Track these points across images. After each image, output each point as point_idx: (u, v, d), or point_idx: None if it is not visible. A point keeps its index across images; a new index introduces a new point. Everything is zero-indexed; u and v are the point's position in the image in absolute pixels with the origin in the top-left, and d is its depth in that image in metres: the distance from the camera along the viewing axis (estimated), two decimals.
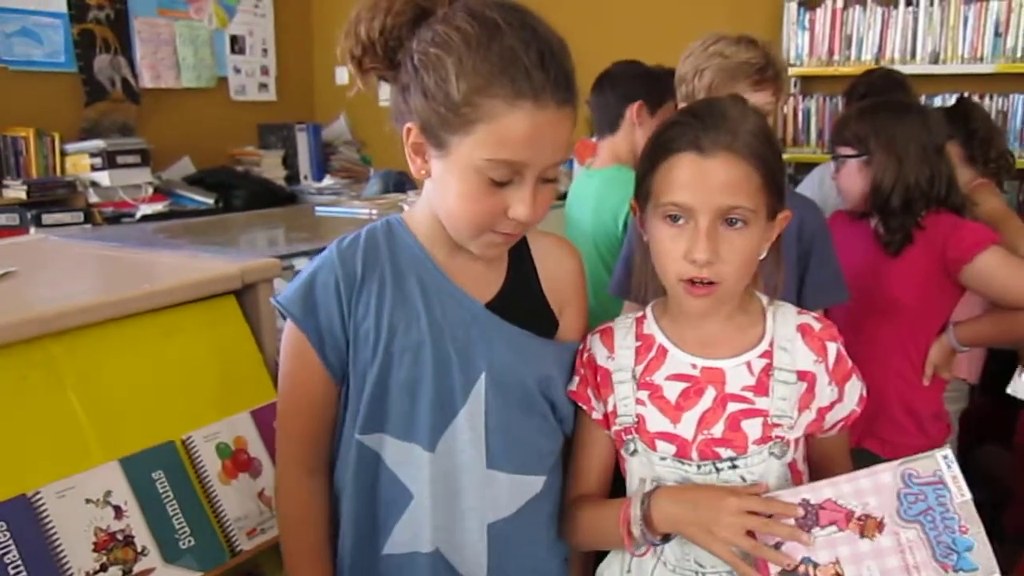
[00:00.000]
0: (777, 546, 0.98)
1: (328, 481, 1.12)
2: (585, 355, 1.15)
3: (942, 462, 0.96)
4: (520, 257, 1.11)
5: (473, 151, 0.92)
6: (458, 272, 1.05)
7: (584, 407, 1.14)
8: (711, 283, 1.02)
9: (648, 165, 1.07)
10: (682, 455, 1.06)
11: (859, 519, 0.97)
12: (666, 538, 1.05)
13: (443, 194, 0.99)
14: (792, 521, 0.98)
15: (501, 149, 0.91)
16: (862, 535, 0.96)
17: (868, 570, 0.96)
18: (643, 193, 1.09)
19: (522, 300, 1.10)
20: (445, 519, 1.07)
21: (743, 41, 1.52)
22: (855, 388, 1.12)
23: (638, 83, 2.12)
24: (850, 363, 1.11)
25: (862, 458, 1.69)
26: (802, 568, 0.97)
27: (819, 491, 0.99)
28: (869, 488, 0.97)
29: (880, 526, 0.96)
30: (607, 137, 2.16)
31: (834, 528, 0.97)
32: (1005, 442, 2.76)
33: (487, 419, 1.05)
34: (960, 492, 0.95)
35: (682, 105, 1.56)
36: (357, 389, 1.05)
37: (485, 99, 0.90)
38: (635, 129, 2.08)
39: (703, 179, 1.00)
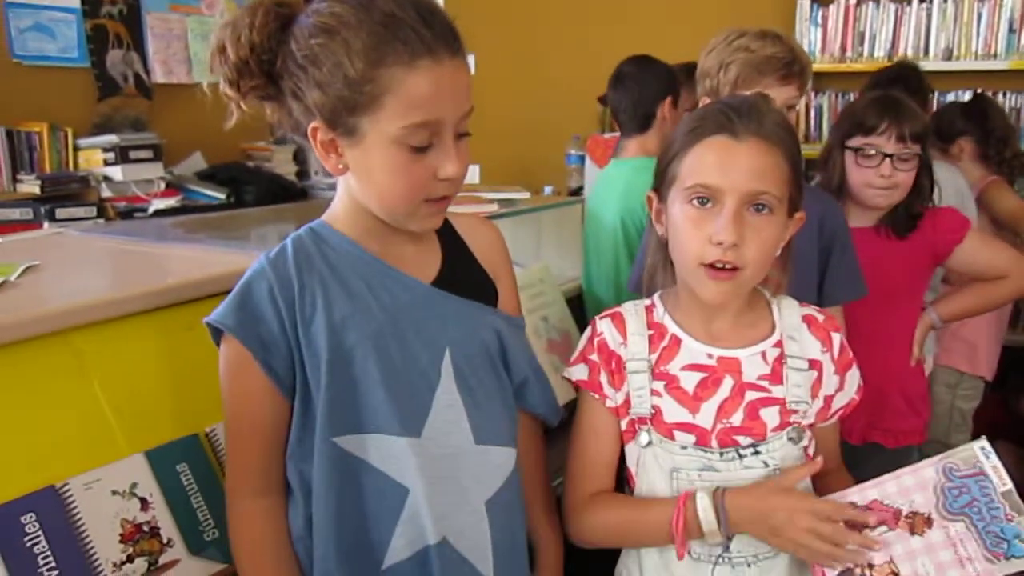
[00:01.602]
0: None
1: (285, 502, 1.07)
2: (596, 339, 1.15)
3: (980, 453, 0.98)
4: (449, 236, 1.12)
5: (388, 124, 0.91)
6: (395, 260, 1.04)
7: (596, 396, 1.14)
8: (733, 268, 1.03)
9: (675, 151, 1.08)
10: (702, 444, 1.07)
11: (907, 517, 0.99)
12: (728, 539, 1.05)
13: (368, 180, 0.97)
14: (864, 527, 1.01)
15: (414, 113, 0.91)
16: (912, 532, 0.99)
17: (923, 566, 0.98)
18: (666, 180, 1.10)
19: (464, 274, 1.10)
20: (445, 505, 1.03)
21: (768, 36, 1.52)
22: (854, 377, 1.15)
23: (665, 80, 2.15)
24: (850, 353, 1.15)
25: (871, 452, 1.73)
26: (858, 571, 1.00)
27: (865, 493, 1.02)
28: (913, 485, 1.00)
29: (928, 522, 0.98)
30: (635, 135, 2.17)
31: (884, 528, 1.00)
32: (1013, 439, 2.76)
33: (462, 395, 1.04)
34: (1002, 481, 0.96)
35: (704, 100, 1.56)
36: (317, 392, 0.99)
37: (384, 69, 0.89)
38: (664, 124, 2.11)
39: (733, 162, 1.02)
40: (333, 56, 0.90)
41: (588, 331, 1.17)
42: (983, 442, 0.99)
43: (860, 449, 1.75)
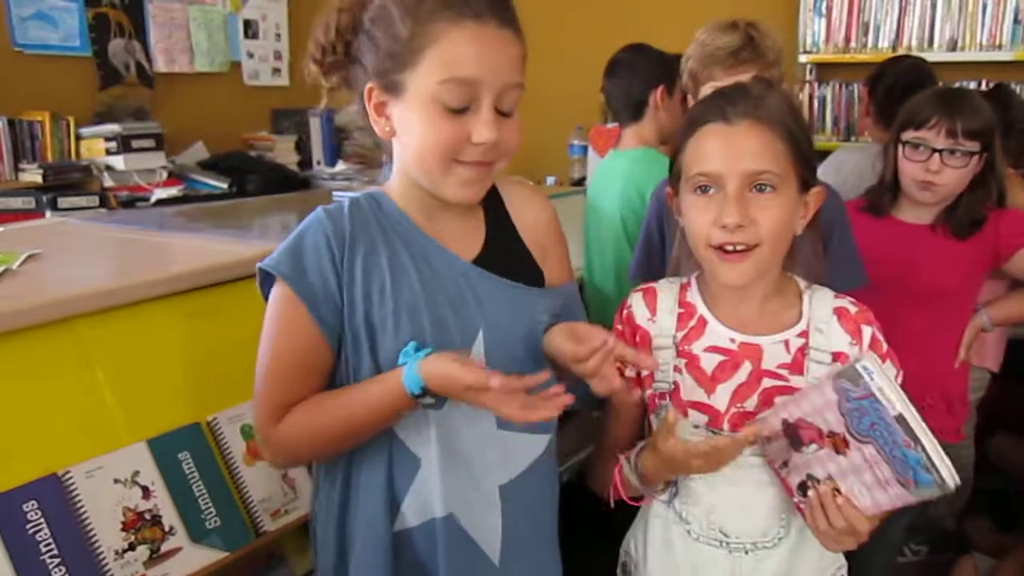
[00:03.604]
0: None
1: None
2: (624, 311, 1.18)
3: (864, 374, 0.90)
4: (495, 210, 1.12)
5: (427, 79, 0.95)
6: (440, 234, 1.06)
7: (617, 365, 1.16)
8: (747, 249, 1.04)
9: (679, 145, 1.10)
10: (714, 425, 1.09)
11: (828, 436, 0.97)
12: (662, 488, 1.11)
13: (408, 138, 1.00)
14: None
15: (451, 68, 0.94)
16: (836, 452, 0.97)
17: (854, 485, 0.98)
18: (675, 173, 1.11)
19: (505, 253, 1.10)
20: (457, 483, 1.05)
21: (726, 26, 1.53)
22: (889, 371, 1.13)
23: (657, 68, 2.12)
24: (885, 346, 1.13)
25: None
26: (809, 483, 1.01)
27: (789, 410, 1.00)
28: (821, 405, 0.96)
29: (845, 442, 0.96)
30: (630, 125, 2.16)
31: (815, 446, 0.99)
32: (1016, 431, 2.76)
33: None
34: (891, 405, 0.89)
35: (689, 97, 1.59)
36: (357, 353, 1.02)
37: (429, 26, 0.94)
38: (658, 113, 2.09)
39: (729, 146, 1.04)
40: (390, 18, 0.96)
41: (621, 304, 1.21)
42: (865, 360, 0.91)
43: None
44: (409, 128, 0.99)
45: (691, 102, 1.58)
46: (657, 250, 1.62)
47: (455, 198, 1.02)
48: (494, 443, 1.06)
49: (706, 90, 1.49)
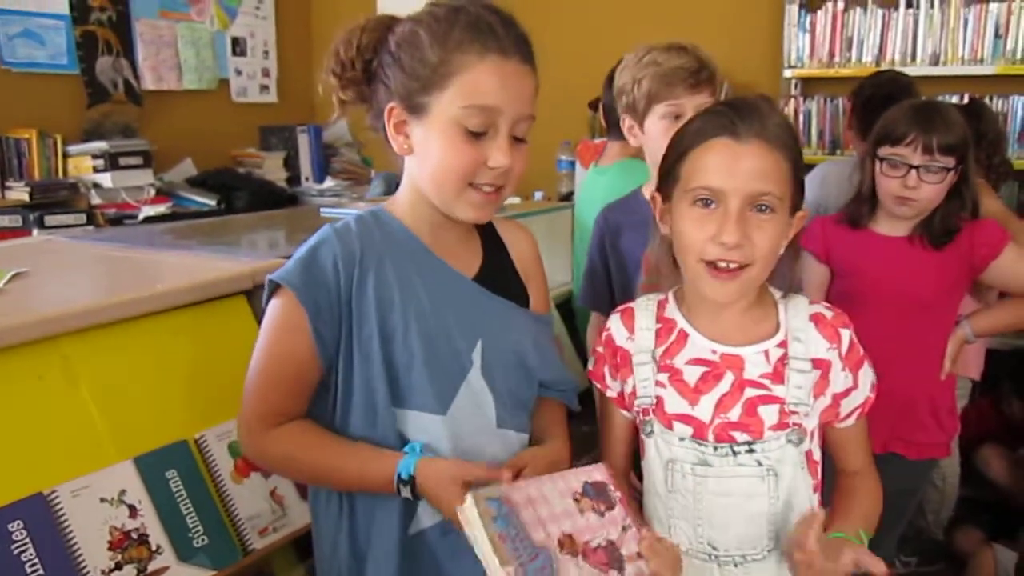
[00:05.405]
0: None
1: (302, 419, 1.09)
2: (604, 334, 1.19)
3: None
4: (491, 238, 1.21)
5: (451, 103, 1.02)
6: (442, 252, 1.12)
7: (599, 385, 1.20)
8: (739, 268, 1.04)
9: (678, 153, 1.09)
10: (699, 436, 1.09)
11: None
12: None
13: (426, 157, 1.06)
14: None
15: (475, 96, 1.02)
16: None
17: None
18: (670, 181, 1.11)
19: (500, 275, 1.18)
20: None
21: (674, 48, 1.53)
22: (867, 375, 1.15)
23: None
24: (861, 350, 1.14)
25: (891, 462, 1.70)
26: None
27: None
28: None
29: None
30: (619, 140, 2.16)
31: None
32: (1002, 441, 2.78)
33: (487, 382, 1.11)
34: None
35: (625, 117, 1.59)
36: (366, 364, 1.05)
37: (458, 55, 1.02)
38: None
39: (736, 164, 1.04)
40: (419, 43, 1.04)
41: (601, 327, 1.23)
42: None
43: (880, 458, 1.71)
44: (428, 148, 1.05)
45: (630, 123, 1.57)
46: (601, 277, 1.64)
47: (465, 217, 1.08)
48: (495, 439, 1.13)
49: (662, 109, 1.50)
